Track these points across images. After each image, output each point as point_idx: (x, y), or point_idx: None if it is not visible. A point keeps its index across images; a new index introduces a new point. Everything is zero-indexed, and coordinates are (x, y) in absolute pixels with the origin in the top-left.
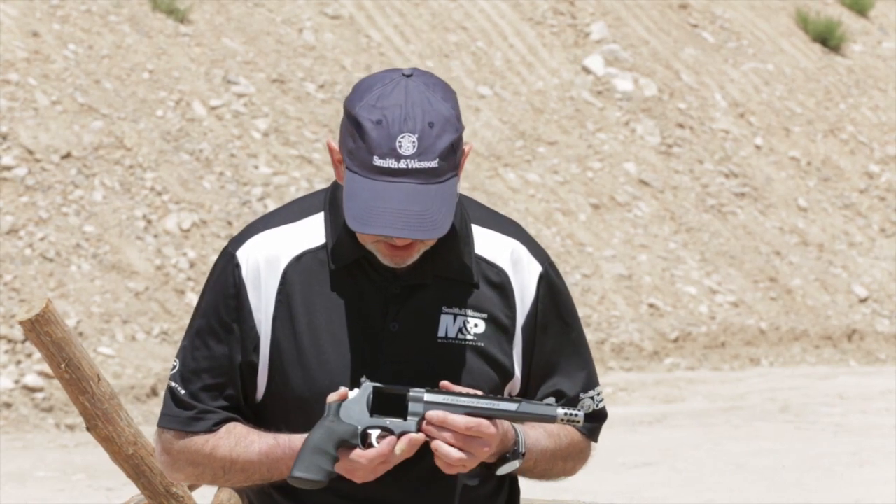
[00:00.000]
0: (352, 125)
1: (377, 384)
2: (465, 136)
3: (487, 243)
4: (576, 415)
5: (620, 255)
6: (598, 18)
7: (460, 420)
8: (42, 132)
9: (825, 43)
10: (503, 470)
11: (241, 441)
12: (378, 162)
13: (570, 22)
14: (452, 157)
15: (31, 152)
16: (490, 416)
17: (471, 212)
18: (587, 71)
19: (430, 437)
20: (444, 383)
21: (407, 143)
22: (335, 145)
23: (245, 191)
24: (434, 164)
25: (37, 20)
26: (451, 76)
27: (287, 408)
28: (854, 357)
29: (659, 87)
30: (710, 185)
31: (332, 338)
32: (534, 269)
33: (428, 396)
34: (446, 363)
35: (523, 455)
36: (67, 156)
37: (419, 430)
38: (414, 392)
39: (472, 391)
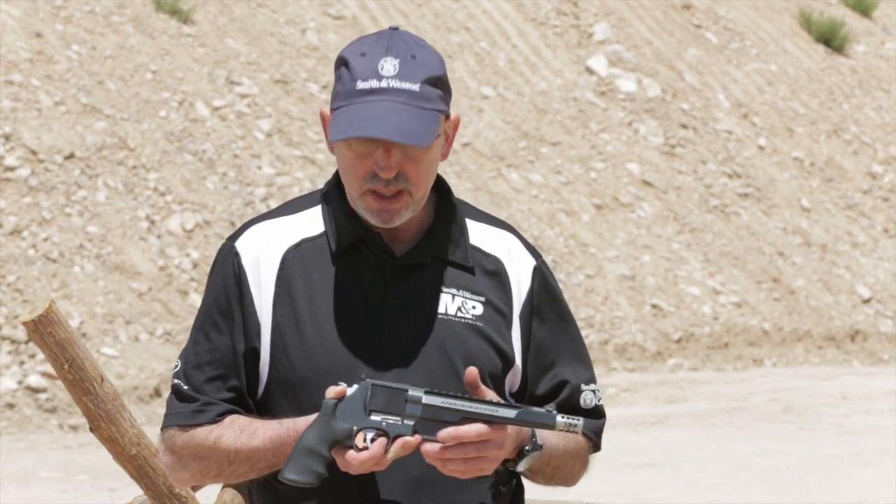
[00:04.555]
0: (339, 69)
1: (376, 382)
2: (468, 136)
3: (482, 235)
4: (575, 424)
5: (623, 255)
6: (602, 19)
7: (472, 430)
8: (45, 133)
9: (828, 43)
10: (523, 465)
11: (245, 429)
12: (360, 85)
13: (573, 22)
14: (436, 91)
15: (34, 153)
16: (489, 421)
17: (464, 210)
18: (590, 71)
19: (427, 439)
20: (471, 375)
21: (388, 66)
22: (327, 111)
23: (248, 191)
24: (415, 87)
25: (40, 21)
26: (455, 77)
27: (292, 391)
28: (857, 358)
29: (662, 87)
30: (713, 186)
31: (334, 317)
32: (528, 261)
33: (426, 399)
34: (447, 340)
35: (541, 447)
36: (71, 156)
37: (415, 433)
38: (413, 392)
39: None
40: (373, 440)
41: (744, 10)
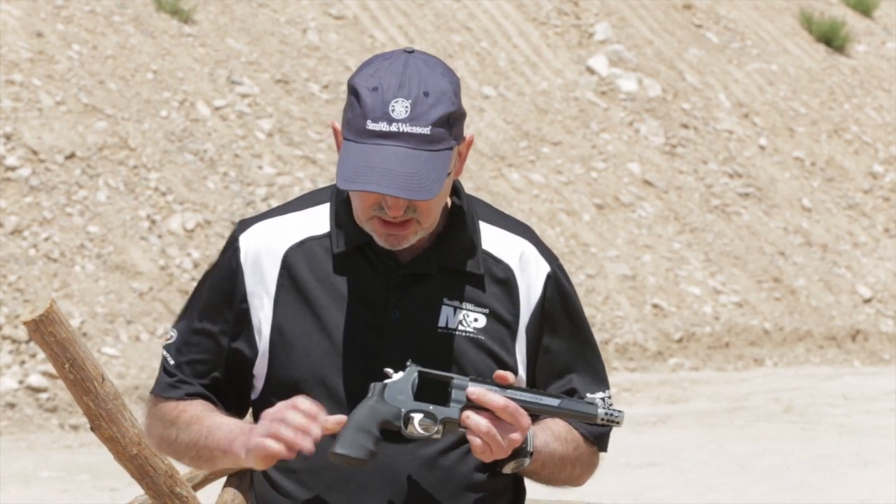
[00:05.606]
0: (350, 95)
1: (423, 368)
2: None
3: (495, 240)
4: (617, 415)
5: (624, 255)
6: (602, 19)
7: (499, 399)
8: (46, 132)
9: (829, 43)
10: (509, 467)
11: (204, 410)
12: (371, 126)
13: (574, 22)
14: (447, 130)
15: (35, 153)
16: (531, 409)
17: (479, 210)
18: (591, 71)
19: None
20: (500, 373)
21: (400, 108)
22: (339, 126)
23: (249, 191)
24: (426, 130)
25: (41, 20)
26: None
27: (287, 391)
28: (858, 357)
29: (663, 87)
30: (714, 186)
31: (334, 323)
32: (542, 269)
33: (472, 386)
34: (447, 353)
35: (531, 454)
36: (71, 156)
37: (461, 416)
38: (458, 380)
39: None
40: (421, 423)
41: (745, 9)
